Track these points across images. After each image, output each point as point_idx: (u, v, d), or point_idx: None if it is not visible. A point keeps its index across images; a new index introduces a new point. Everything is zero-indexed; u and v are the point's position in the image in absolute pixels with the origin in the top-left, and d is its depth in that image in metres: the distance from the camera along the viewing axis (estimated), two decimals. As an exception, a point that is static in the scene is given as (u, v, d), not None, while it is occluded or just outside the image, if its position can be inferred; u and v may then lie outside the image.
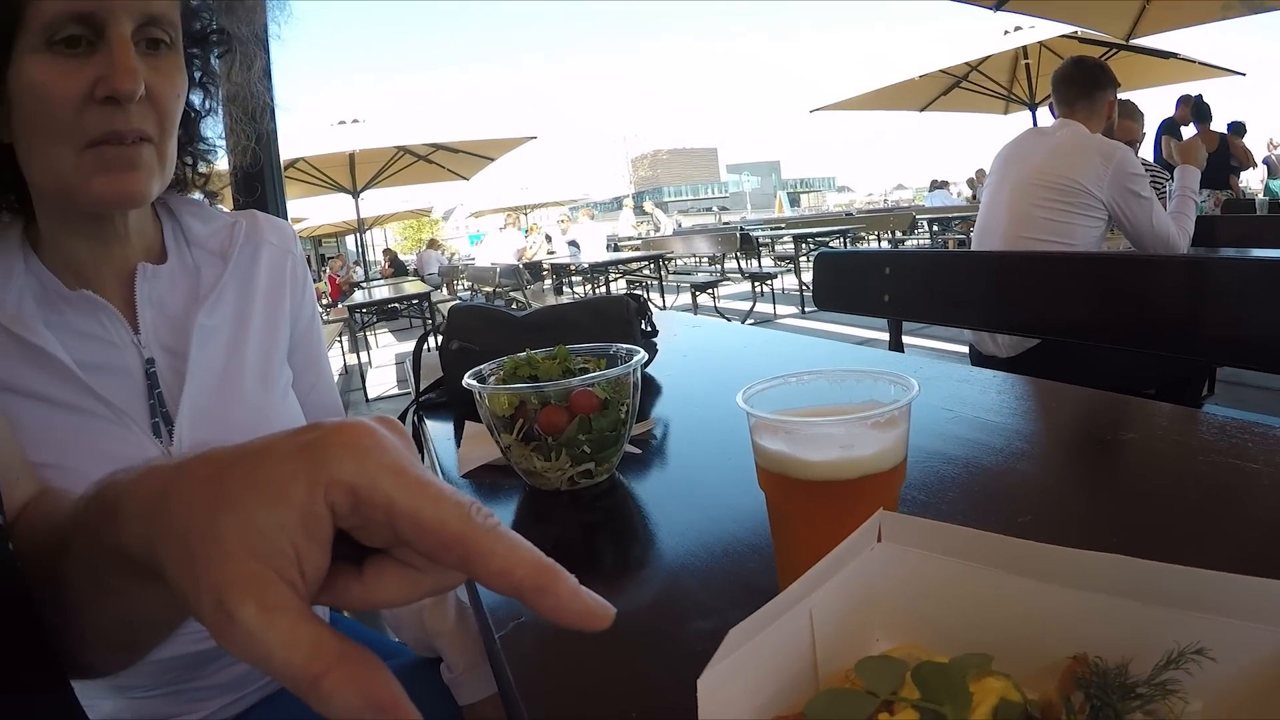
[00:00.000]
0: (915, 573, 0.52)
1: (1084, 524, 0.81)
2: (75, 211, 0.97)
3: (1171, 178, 3.32)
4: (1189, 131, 7.74)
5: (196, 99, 1.10)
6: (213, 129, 1.16)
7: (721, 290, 11.21)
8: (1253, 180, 12.11)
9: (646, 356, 1.02)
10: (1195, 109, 7.77)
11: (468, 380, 1.01)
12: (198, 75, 1.08)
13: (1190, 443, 0.98)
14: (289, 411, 1.14)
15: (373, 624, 1.56)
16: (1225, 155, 7.66)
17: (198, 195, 1.18)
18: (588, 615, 0.37)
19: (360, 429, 0.39)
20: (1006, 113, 11.39)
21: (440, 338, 1.50)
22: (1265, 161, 12.84)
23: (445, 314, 1.87)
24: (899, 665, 0.47)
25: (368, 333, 10.27)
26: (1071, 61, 3.13)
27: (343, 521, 0.38)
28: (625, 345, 1.08)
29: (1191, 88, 8.37)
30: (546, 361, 1.07)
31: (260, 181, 1.93)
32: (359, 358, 9.51)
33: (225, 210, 1.19)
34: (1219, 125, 8.09)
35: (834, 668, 0.50)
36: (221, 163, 1.20)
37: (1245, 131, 8.63)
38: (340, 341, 9.36)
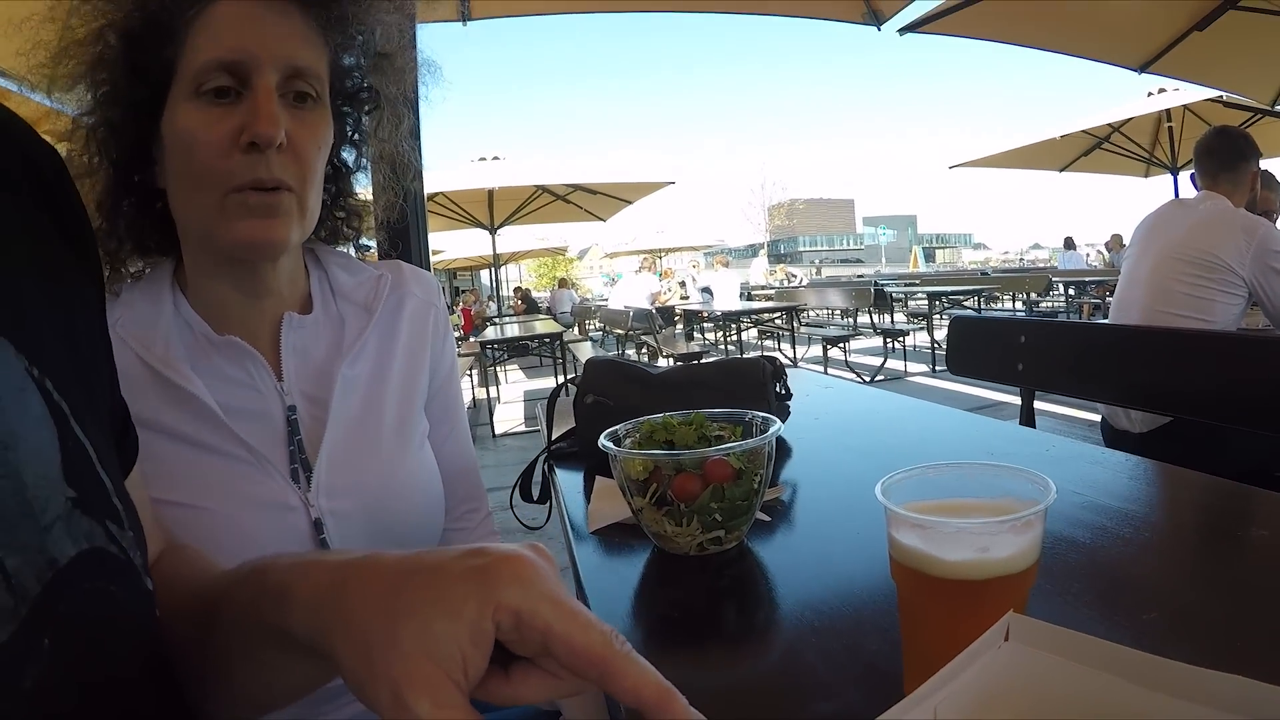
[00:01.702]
0: (1040, 674, 0.53)
1: (1209, 625, 0.78)
2: (223, 257, 1.01)
3: None
4: None
5: (349, 156, 1.15)
6: (363, 184, 1.21)
7: (852, 345, 11.09)
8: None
9: (782, 427, 1.03)
10: None
11: (604, 442, 1.03)
12: (349, 132, 1.13)
13: None
14: (424, 462, 1.15)
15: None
16: None
17: (346, 248, 1.23)
18: None
19: (524, 562, 0.47)
20: (1147, 175, 11.04)
21: (575, 389, 1.54)
22: None
23: (581, 366, 1.91)
24: None
25: (498, 368, 10.48)
26: (1215, 132, 3.04)
27: (503, 636, 0.46)
28: (761, 414, 1.08)
29: None
30: (683, 427, 1.09)
31: (405, 234, 2.01)
32: (488, 392, 9.71)
33: (372, 262, 1.23)
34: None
35: None
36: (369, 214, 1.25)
37: None
38: (470, 375, 9.57)
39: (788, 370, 1.60)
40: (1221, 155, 2.93)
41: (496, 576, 0.46)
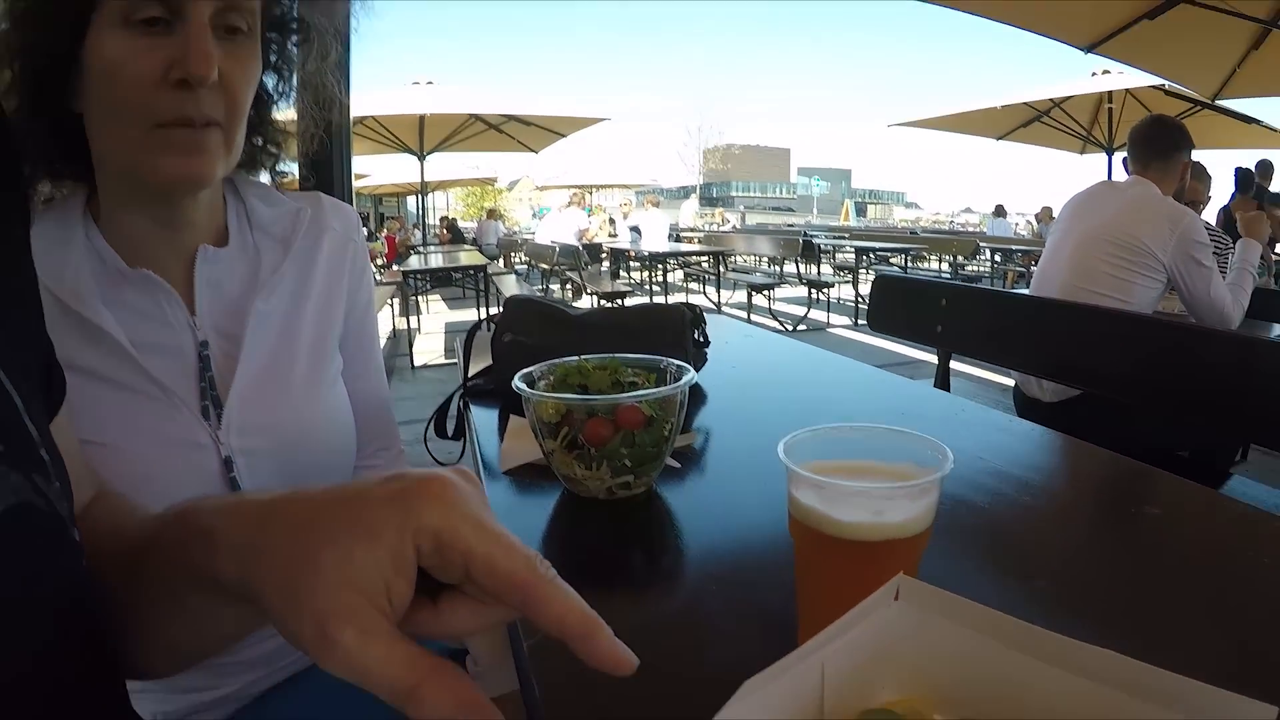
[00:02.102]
0: (926, 635, 0.55)
1: (1097, 598, 0.82)
2: (141, 189, 0.97)
3: (1233, 246, 3.29)
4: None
5: (270, 82, 1.10)
6: (285, 113, 1.16)
7: (777, 293, 11.19)
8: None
9: (696, 377, 1.03)
10: (1238, 176, 7.62)
11: (517, 383, 1.02)
12: (273, 59, 1.09)
13: (1210, 528, 1.00)
14: (337, 400, 1.14)
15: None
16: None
17: (265, 177, 1.19)
18: (618, 663, 0.43)
19: (445, 483, 0.45)
20: (1083, 153, 11.31)
21: (494, 326, 1.52)
22: None
23: (504, 299, 1.89)
24: None
25: (420, 298, 10.34)
26: (1151, 120, 3.12)
27: (424, 561, 0.44)
28: (677, 362, 1.09)
29: (1270, 155, 8.21)
30: (597, 372, 1.09)
31: (328, 163, 1.96)
32: (409, 323, 9.57)
33: (291, 194, 1.19)
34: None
35: (838, 715, 0.53)
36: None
37: None
38: (391, 305, 9.43)
39: (710, 316, 1.60)
40: (1155, 144, 3.00)
41: (416, 498, 0.44)
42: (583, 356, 1.12)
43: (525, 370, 1.08)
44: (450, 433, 1.50)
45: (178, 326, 1.00)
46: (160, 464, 0.95)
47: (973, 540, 0.92)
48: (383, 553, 0.43)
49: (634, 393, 1.01)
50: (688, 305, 1.55)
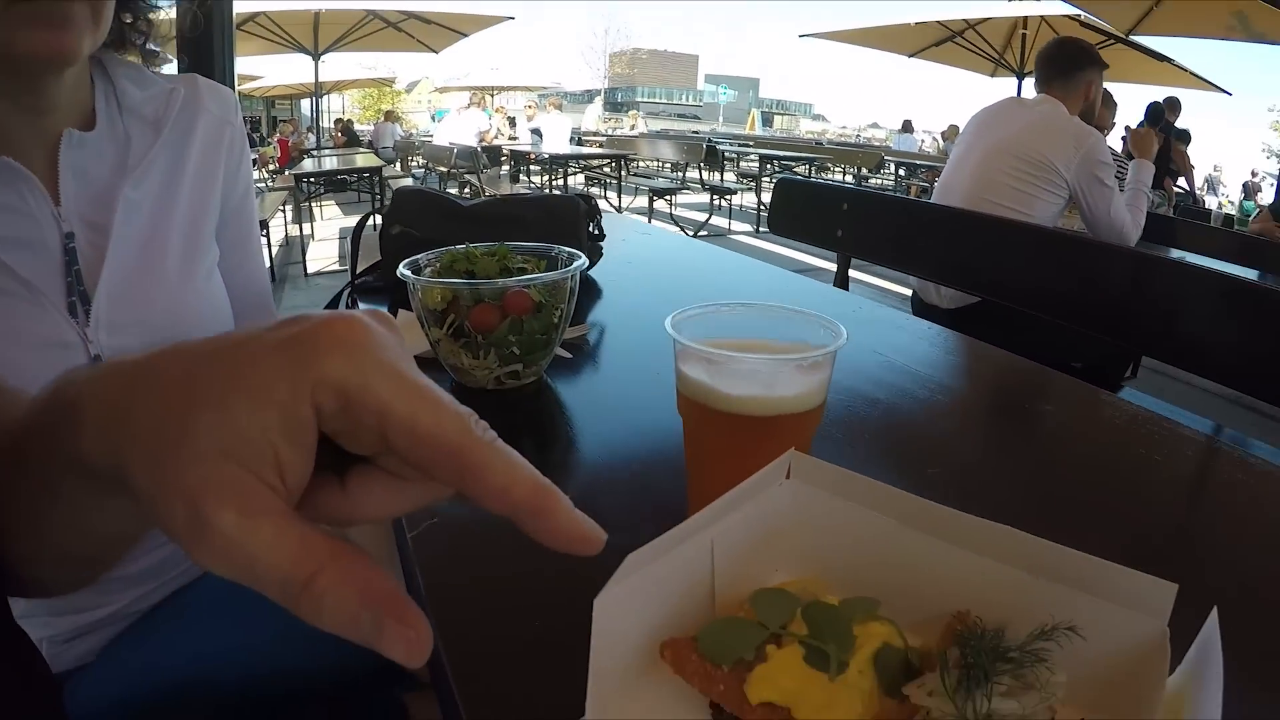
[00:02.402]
0: (818, 513, 0.54)
1: (988, 486, 0.83)
2: (1, 69, 0.88)
3: None
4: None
5: None
6: None
7: (680, 199, 11.18)
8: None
9: (587, 262, 1.00)
10: (1149, 110, 7.88)
11: (402, 270, 0.99)
12: None
13: (1102, 425, 1.02)
14: (213, 293, 1.08)
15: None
16: (1166, 159, 7.82)
17: (134, 56, 1.10)
18: (583, 540, 0.35)
19: (353, 323, 0.35)
20: (993, 75, 11.46)
21: (382, 219, 1.47)
22: (1244, 186, 13.55)
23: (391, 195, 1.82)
24: (791, 601, 0.49)
25: (313, 204, 10.01)
26: (1059, 40, 3.18)
27: (328, 425, 0.34)
28: (568, 249, 1.06)
29: (1178, 94, 8.47)
30: (485, 258, 1.05)
31: (208, 49, 1.84)
32: (301, 229, 9.26)
33: (165, 75, 1.11)
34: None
35: (731, 597, 0.51)
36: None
37: (1189, 141, 8.79)
38: (284, 211, 9.10)
39: (609, 215, 1.57)
40: (1061, 62, 3.03)
41: (315, 345, 0.34)
42: (471, 244, 1.08)
43: (411, 258, 1.04)
44: (338, 332, 1.44)
45: (41, 218, 0.92)
46: (25, 367, 0.88)
47: (868, 430, 0.93)
48: (272, 414, 0.33)
49: (521, 277, 0.97)
50: (583, 196, 1.51)
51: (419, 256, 1.05)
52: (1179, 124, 8.25)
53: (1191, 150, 8.67)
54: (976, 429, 1.01)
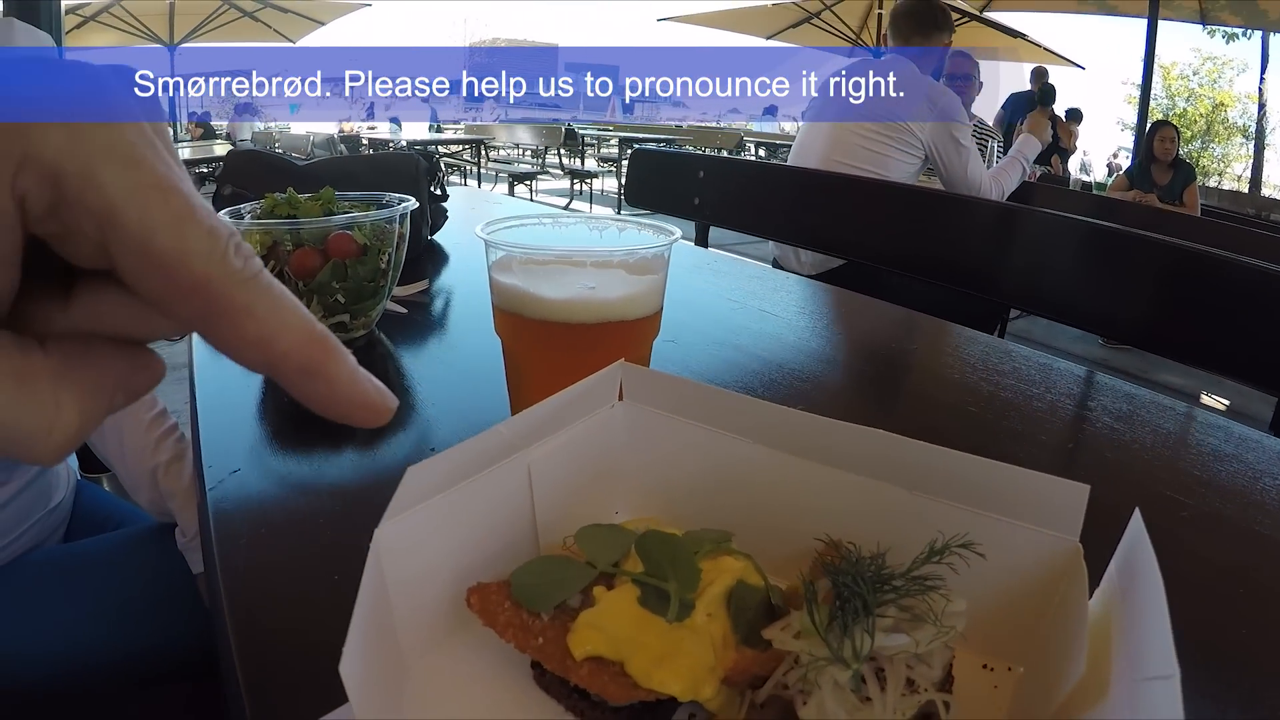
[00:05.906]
0: (658, 438, 0.47)
1: (847, 411, 0.80)
2: None
3: (997, 140, 3.42)
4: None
5: None
6: None
7: (540, 184, 11.12)
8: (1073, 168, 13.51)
9: (415, 204, 0.94)
10: (1042, 91, 8.17)
11: (223, 217, 0.90)
12: None
13: (975, 362, 1.00)
14: None
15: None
16: (1054, 137, 8.14)
17: None
18: (365, 406, 0.27)
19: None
20: (852, 54, 11.64)
21: (216, 182, 1.37)
22: (1108, 165, 14.25)
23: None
24: (624, 535, 0.42)
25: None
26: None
27: (37, 226, 0.23)
28: (399, 195, 0.99)
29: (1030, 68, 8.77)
30: (308, 203, 0.97)
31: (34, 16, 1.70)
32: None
33: None
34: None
35: (557, 539, 0.45)
36: None
37: (1081, 119, 9.12)
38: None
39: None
40: (917, 20, 3.04)
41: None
42: (294, 191, 1.00)
43: (234, 207, 0.96)
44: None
45: None
46: None
47: (725, 371, 0.90)
48: None
49: (343, 216, 0.90)
50: (422, 153, 1.44)
51: (242, 205, 0.97)
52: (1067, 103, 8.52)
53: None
54: (844, 369, 0.99)
